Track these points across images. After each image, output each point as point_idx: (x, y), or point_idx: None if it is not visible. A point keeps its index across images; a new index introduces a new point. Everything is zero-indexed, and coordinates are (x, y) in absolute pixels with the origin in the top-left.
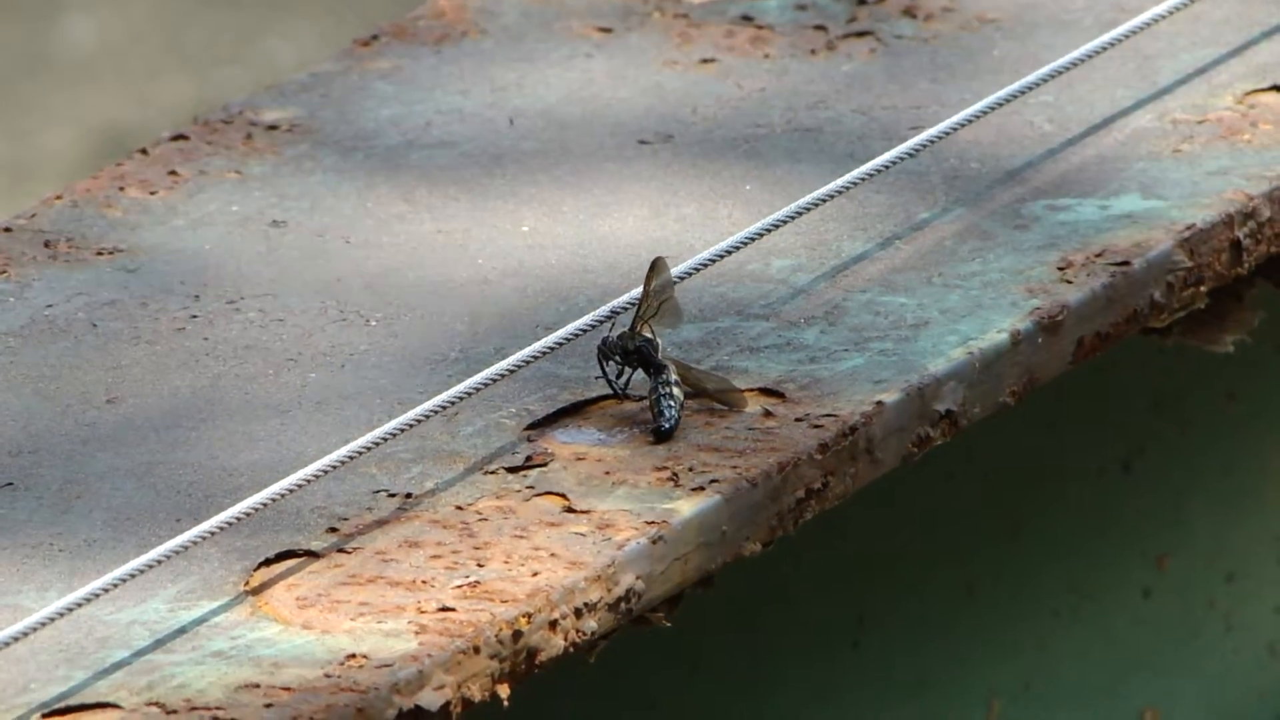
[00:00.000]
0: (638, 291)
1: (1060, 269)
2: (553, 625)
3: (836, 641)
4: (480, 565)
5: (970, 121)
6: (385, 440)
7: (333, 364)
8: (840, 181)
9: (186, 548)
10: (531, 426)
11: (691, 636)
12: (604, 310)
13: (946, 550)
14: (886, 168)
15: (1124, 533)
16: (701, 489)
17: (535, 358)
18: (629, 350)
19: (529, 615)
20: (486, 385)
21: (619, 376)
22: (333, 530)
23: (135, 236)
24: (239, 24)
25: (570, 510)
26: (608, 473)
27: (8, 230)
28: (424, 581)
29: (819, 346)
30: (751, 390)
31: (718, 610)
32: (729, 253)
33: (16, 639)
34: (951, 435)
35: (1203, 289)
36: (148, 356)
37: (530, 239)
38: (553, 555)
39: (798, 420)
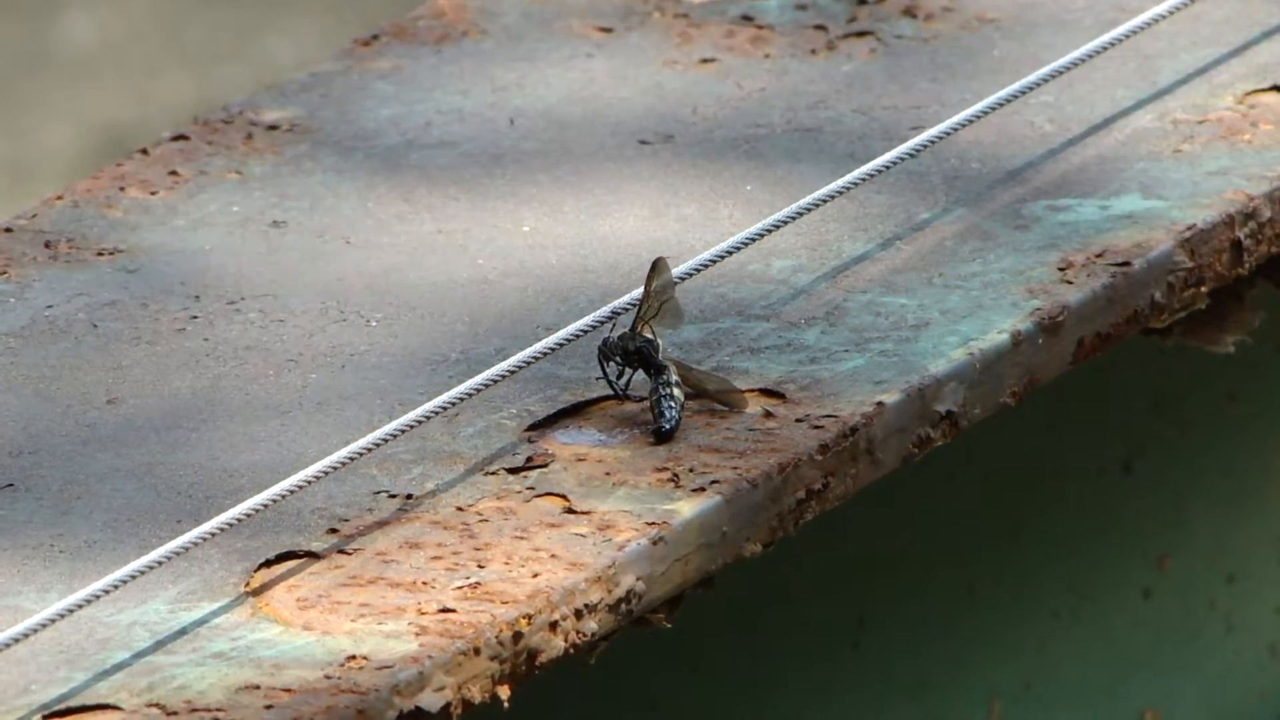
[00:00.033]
0: (638, 292)
1: (1061, 269)
2: (553, 626)
3: (837, 642)
4: (481, 566)
5: (971, 122)
6: (386, 441)
7: (333, 365)
8: (841, 182)
9: (187, 549)
10: (532, 427)
11: (692, 638)
12: (605, 311)
13: (947, 551)
14: (887, 168)
15: (1124, 533)
16: (702, 490)
17: (536, 358)
18: (630, 351)
19: (529, 616)
20: (487, 386)
21: (619, 377)
22: (333, 531)
23: (136, 237)
24: (239, 22)
25: (571, 511)
26: (608, 473)
27: (8, 230)
28: (424, 583)
29: (819, 347)
30: (752, 391)
31: (718, 611)
32: (730, 253)
33: (17, 640)
34: (952, 436)
35: (1203, 289)
36: (148, 357)
37: (531, 239)
38: (553, 556)
39: (798, 421)
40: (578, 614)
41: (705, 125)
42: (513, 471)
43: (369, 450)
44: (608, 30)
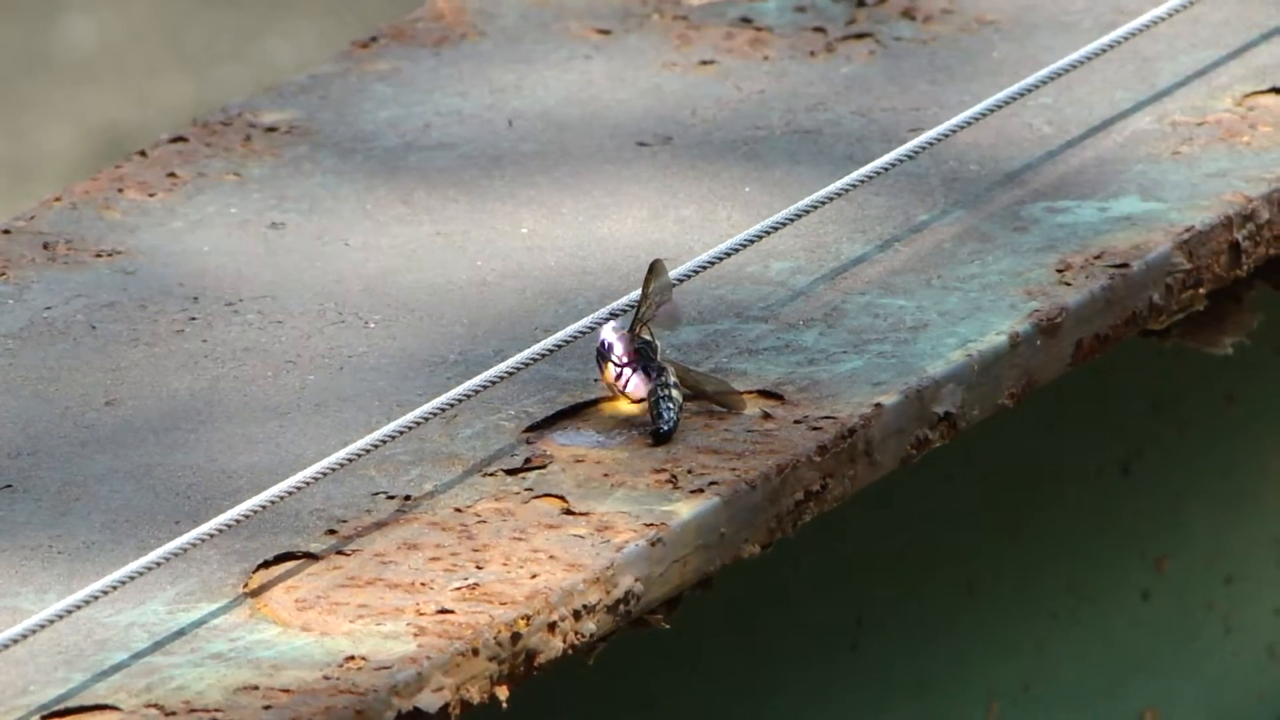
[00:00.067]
0: (637, 293)
1: (1059, 271)
2: (551, 627)
3: (835, 643)
4: (479, 567)
5: (969, 124)
6: (384, 442)
7: (331, 366)
8: (839, 184)
9: (185, 550)
10: (530, 429)
11: (690, 638)
12: (603, 312)
13: (945, 552)
14: (885, 170)
15: (1123, 534)
16: (700, 491)
17: (534, 360)
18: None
19: (528, 617)
20: (485, 387)
21: (618, 378)
22: (331, 532)
23: (134, 238)
24: (238, 24)
25: (569, 512)
26: (606, 475)
27: (7, 232)
28: (423, 584)
29: (818, 349)
30: (750, 392)
31: (717, 612)
32: (728, 255)
33: (15, 641)
34: (950, 437)
35: (1201, 291)
36: (146, 359)
37: (529, 241)
38: (551, 557)
39: (796, 422)
40: (576, 615)
41: (704, 127)
42: (511, 473)
43: (367, 451)
44: (606, 32)
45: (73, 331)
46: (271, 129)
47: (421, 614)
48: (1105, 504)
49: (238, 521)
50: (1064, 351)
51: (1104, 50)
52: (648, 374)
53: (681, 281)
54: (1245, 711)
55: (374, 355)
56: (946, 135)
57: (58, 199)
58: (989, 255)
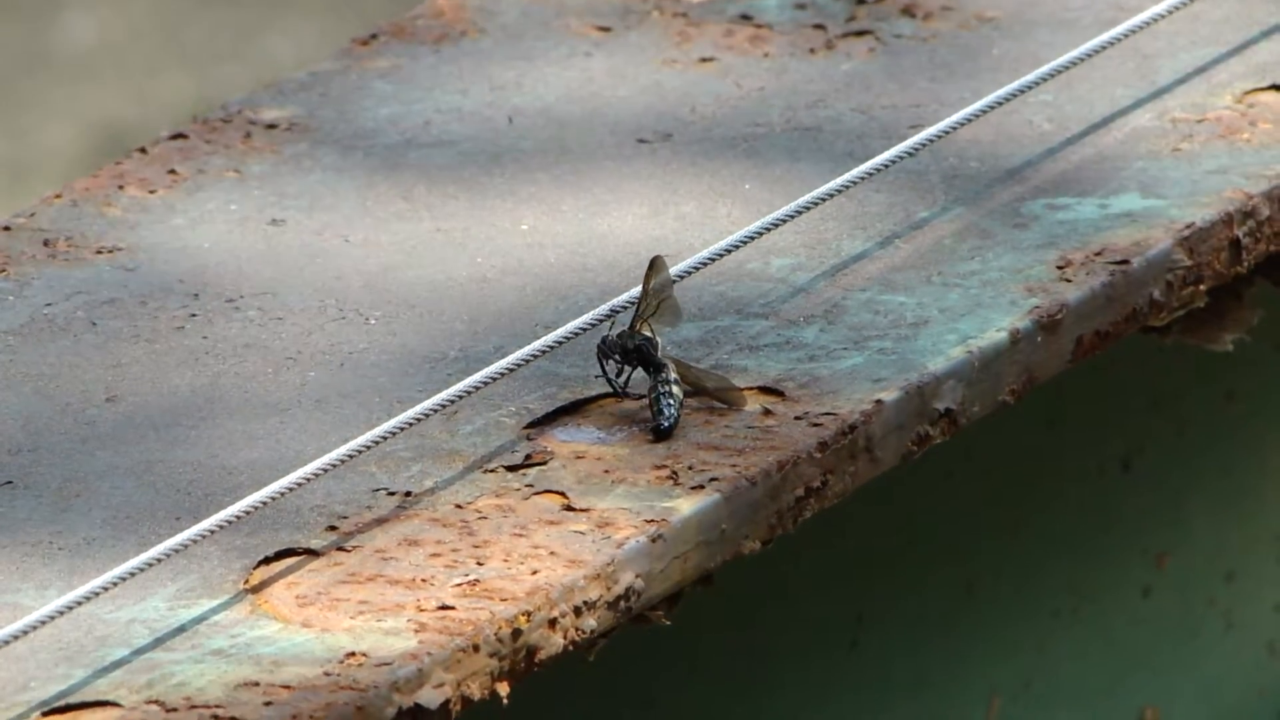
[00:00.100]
0: (637, 290)
1: (1059, 268)
2: (552, 624)
3: (835, 640)
4: (480, 563)
5: (969, 120)
6: (385, 439)
7: (332, 363)
8: (839, 180)
9: (186, 546)
10: (531, 425)
11: (691, 635)
12: (603, 309)
13: (946, 549)
14: (886, 167)
15: (1123, 532)
16: (701, 487)
17: (534, 356)
18: (628, 349)
19: (528, 613)
20: (486, 384)
21: (618, 375)
22: (332, 529)
23: (134, 235)
24: (238, 21)
25: (569, 509)
26: (607, 471)
27: (7, 229)
28: (423, 580)
29: (818, 345)
30: (751, 389)
31: (717, 609)
32: (728, 251)
33: (16, 637)
34: (951, 434)
35: (1202, 288)
36: (147, 355)
37: (529, 238)
38: (552, 554)
39: (797, 419)
40: (577, 611)
41: (704, 124)
42: (512, 469)
43: (368, 448)
44: (606, 29)
45: (73, 328)
46: (272, 126)
47: (422, 610)
48: (1106, 501)
49: (238, 518)
50: (1064, 348)
51: (1104, 47)
52: (648, 371)
53: (682, 278)
54: (1246, 708)
55: (374, 352)
56: (947, 132)
57: (58, 196)
58: (989, 252)
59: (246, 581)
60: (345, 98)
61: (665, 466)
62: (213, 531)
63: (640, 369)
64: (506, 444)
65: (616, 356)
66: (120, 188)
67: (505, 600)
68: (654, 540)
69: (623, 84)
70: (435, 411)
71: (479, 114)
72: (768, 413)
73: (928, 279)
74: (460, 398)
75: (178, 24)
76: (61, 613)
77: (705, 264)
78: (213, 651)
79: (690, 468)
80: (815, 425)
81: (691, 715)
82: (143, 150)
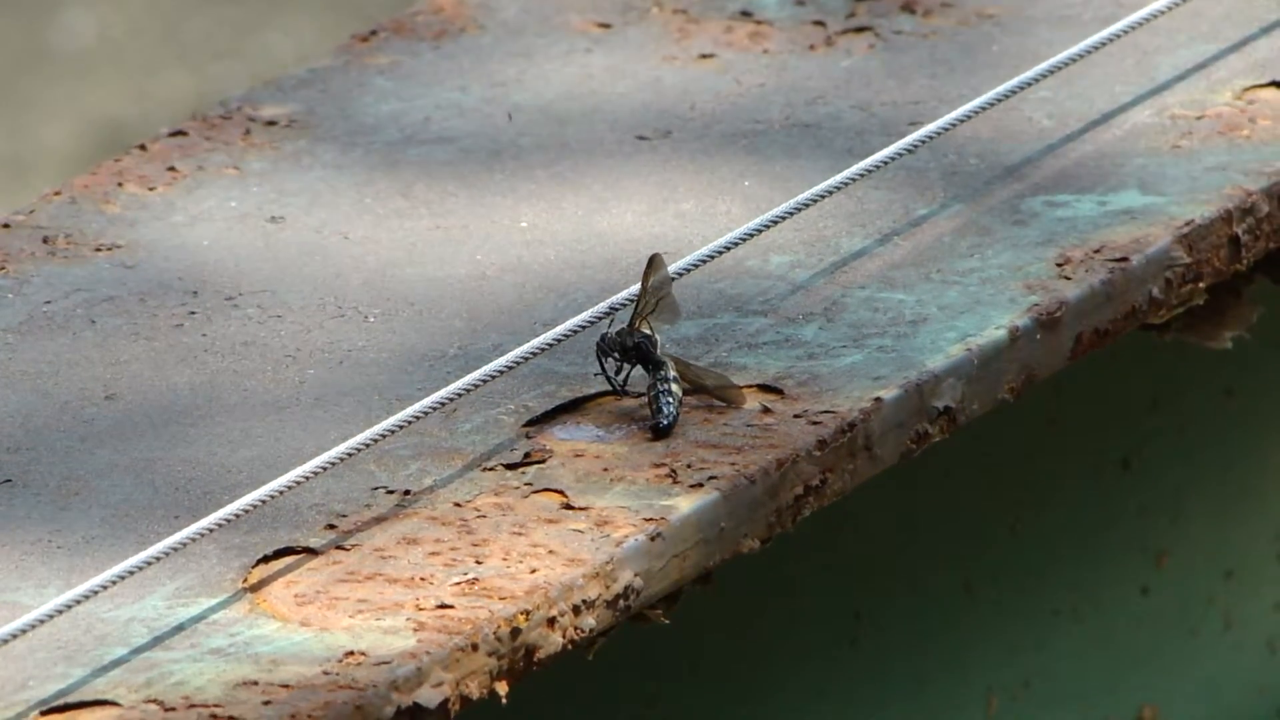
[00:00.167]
0: (636, 288)
1: (1059, 265)
2: (551, 622)
3: (835, 638)
4: (479, 562)
5: (969, 117)
6: (384, 437)
7: (331, 360)
8: (839, 177)
9: (185, 545)
10: (530, 423)
11: (690, 634)
12: (602, 306)
13: (945, 547)
14: (885, 164)
15: (1123, 530)
16: (700, 486)
17: (534, 354)
18: (628, 347)
19: (527, 612)
20: (485, 382)
21: (618, 373)
22: (331, 527)
23: (134, 232)
24: (238, 18)
25: (569, 507)
26: (606, 469)
27: (6, 226)
28: (422, 578)
29: (817, 343)
30: (750, 387)
31: (716, 607)
32: (727, 249)
33: (15, 636)
34: (950, 432)
35: (1201, 285)
36: (146, 353)
37: (529, 235)
38: (551, 552)
39: (796, 417)
40: (576, 610)
41: (703, 121)
42: (510, 467)
43: (367, 446)
44: (606, 26)
45: (72, 326)
46: (271, 123)
47: (421, 609)
48: (1105, 499)
49: (237, 516)
50: (1063, 346)
51: (1104, 44)
52: (647, 369)
53: (681, 276)
54: (1245, 706)
55: (373, 349)
56: (946, 129)
57: (57, 193)
58: (988, 249)
59: (245, 580)
60: (345, 94)
61: (664, 465)
62: (211, 530)
63: (639, 367)
64: (505, 442)
65: (615, 354)
66: (119, 185)
67: (504, 599)
68: (653, 539)
69: (622, 81)
70: (434, 409)
71: (479, 111)
72: (767, 411)
73: (927, 276)
74: (459, 395)
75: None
76: (60, 611)
77: (704, 261)
78: (211, 650)
79: (689, 466)
80: (814, 423)
81: (691, 715)
82: (142, 147)
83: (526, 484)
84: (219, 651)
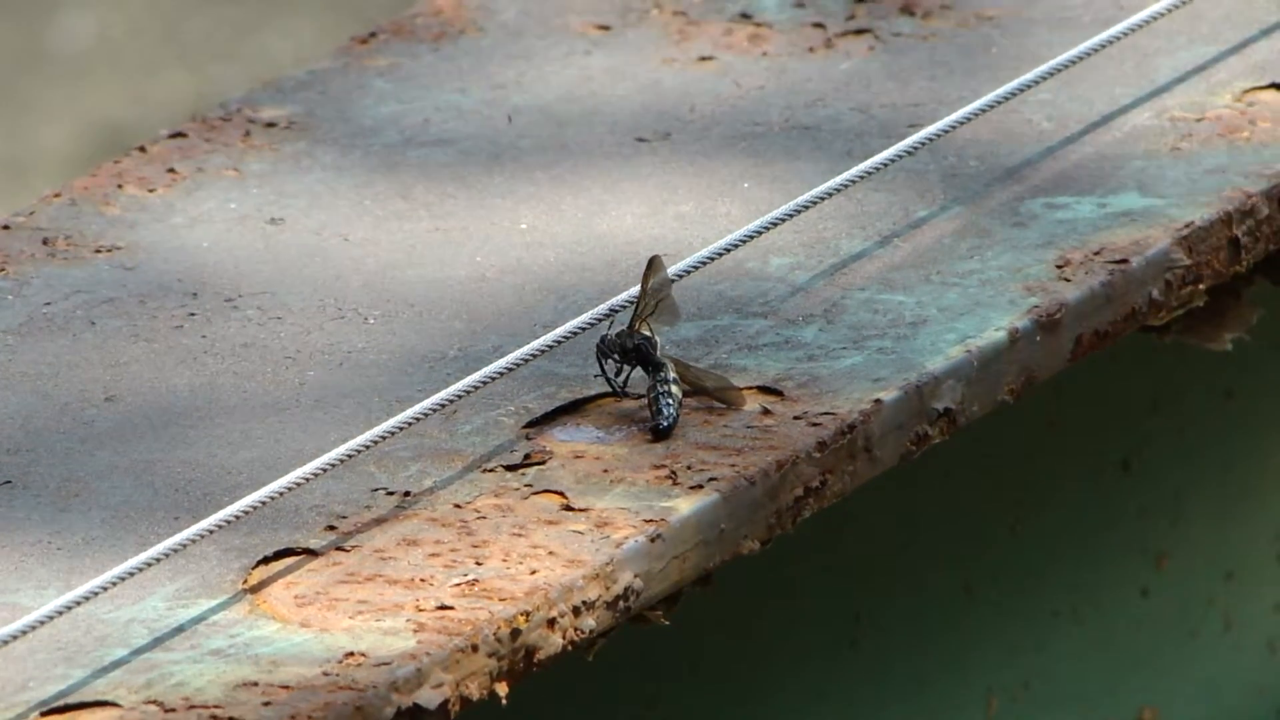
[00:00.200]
0: (636, 289)
1: (1058, 267)
2: (551, 623)
3: (835, 640)
4: (479, 563)
5: (969, 119)
6: (384, 438)
7: (331, 362)
8: (838, 179)
9: (185, 546)
10: (530, 425)
11: (690, 635)
12: (602, 308)
13: (945, 549)
14: (885, 166)
15: (1123, 531)
16: (700, 487)
17: (533, 356)
18: (627, 348)
19: (527, 613)
20: (485, 383)
21: (617, 374)
22: (331, 528)
23: (133, 234)
24: (237, 20)
25: (568, 508)
26: (606, 471)
27: (6, 228)
28: (422, 580)
29: (817, 345)
30: (750, 388)
31: (716, 609)
32: (727, 251)
33: (15, 637)
34: (950, 433)
35: (1201, 287)
36: (146, 354)
37: (528, 237)
38: (551, 553)
39: (796, 418)
40: (576, 611)
41: (703, 123)
42: (510, 469)
43: (367, 447)
44: (606, 28)
45: (72, 327)
46: (271, 125)
47: (421, 610)
48: (1105, 501)
49: (237, 517)
50: (1063, 347)
51: (1103, 46)
52: (647, 370)
53: (680, 278)
54: (1245, 707)
55: (373, 351)
56: (946, 131)
57: (57, 195)
58: (988, 251)
59: (245, 581)
60: (344, 96)
61: (664, 466)
62: (211, 531)
63: (639, 368)
64: (505, 443)
65: (615, 356)
66: (119, 186)
67: (504, 600)
68: (653, 540)
69: (622, 83)
70: (434, 411)
71: (478, 113)
72: (767, 412)
73: (927, 278)
74: (459, 397)
75: (176, 22)
76: (60, 613)
77: (704, 263)
78: (211, 651)
79: (689, 467)
80: (814, 425)
81: (690, 715)
82: (142, 149)
83: (526, 485)
84: (219, 652)
